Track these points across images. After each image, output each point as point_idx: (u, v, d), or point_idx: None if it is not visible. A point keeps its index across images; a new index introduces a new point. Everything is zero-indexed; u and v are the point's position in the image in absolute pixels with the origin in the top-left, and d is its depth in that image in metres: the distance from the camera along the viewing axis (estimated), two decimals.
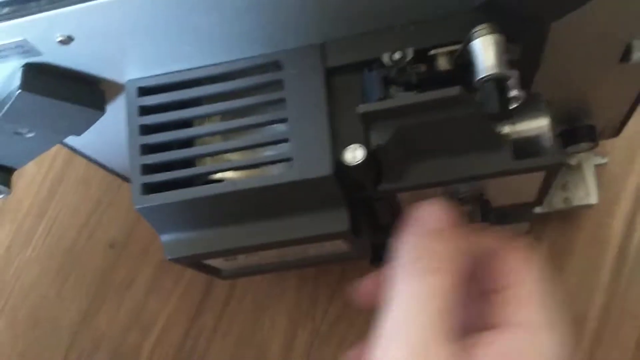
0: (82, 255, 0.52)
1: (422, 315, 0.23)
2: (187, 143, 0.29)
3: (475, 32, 0.24)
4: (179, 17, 0.26)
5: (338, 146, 0.26)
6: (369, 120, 0.26)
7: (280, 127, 0.27)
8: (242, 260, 0.34)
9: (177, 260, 0.30)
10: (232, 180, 0.28)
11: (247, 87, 0.28)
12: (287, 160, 0.27)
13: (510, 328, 0.24)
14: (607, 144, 0.44)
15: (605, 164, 0.42)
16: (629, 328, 0.40)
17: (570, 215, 0.43)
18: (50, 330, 0.50)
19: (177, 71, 0.29)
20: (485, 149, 0.27)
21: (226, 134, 0.29)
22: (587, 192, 0.41)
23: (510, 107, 0.26)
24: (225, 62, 0.28)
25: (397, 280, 0.24)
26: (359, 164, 0.25)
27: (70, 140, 0.34)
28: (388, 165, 0.27)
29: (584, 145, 0.39)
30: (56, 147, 0.34)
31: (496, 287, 0.26)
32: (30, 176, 0.55)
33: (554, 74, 0.32)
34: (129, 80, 0.29)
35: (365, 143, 0.26)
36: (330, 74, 0.28)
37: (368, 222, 0.32)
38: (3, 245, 0.53)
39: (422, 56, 0.26)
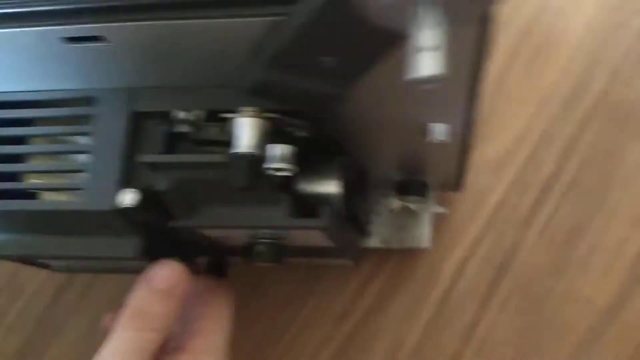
0: None
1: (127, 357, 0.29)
2: (16, 159, 0.32)
3: (239, 111, 0.26)
4: None
5: (126, 185, 0.29)
6: (153, 167, 0.29)
7: (82, 158, 0.30)
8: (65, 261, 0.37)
9: None
10: (36, 200, 0.31)
11: (63, 117, 0.31)
12: (78, 189, 0.30)
13: (182, 352, 0.32)
14: (456, 196, 0.47)
15: (444, 213, 0.45)
16: None
17: (409, 255, 0.46)
18: None
19: (11, 91, 0.32)
20: (265, 203, 0.30)
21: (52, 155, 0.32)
22: (420, 237, 0.44)
23: (287, 175, 0.29)
24: (50, 91, 0.31)
25: (119, 324, 0.30)
26: (131, 206, 0.28)
27: None
28: (178, 205, 0.31)
29: (414, 197, 0.42)
30: None
31: (192, 319, 0.33)
32: None
33: (371, 142, 0.35)
34: None
35: (151, 186, 0.29)
36: (138, 117, 0.30)
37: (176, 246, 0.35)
38: None
39: (216, 117, 0.29)
